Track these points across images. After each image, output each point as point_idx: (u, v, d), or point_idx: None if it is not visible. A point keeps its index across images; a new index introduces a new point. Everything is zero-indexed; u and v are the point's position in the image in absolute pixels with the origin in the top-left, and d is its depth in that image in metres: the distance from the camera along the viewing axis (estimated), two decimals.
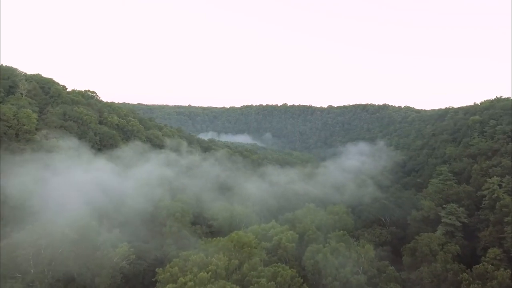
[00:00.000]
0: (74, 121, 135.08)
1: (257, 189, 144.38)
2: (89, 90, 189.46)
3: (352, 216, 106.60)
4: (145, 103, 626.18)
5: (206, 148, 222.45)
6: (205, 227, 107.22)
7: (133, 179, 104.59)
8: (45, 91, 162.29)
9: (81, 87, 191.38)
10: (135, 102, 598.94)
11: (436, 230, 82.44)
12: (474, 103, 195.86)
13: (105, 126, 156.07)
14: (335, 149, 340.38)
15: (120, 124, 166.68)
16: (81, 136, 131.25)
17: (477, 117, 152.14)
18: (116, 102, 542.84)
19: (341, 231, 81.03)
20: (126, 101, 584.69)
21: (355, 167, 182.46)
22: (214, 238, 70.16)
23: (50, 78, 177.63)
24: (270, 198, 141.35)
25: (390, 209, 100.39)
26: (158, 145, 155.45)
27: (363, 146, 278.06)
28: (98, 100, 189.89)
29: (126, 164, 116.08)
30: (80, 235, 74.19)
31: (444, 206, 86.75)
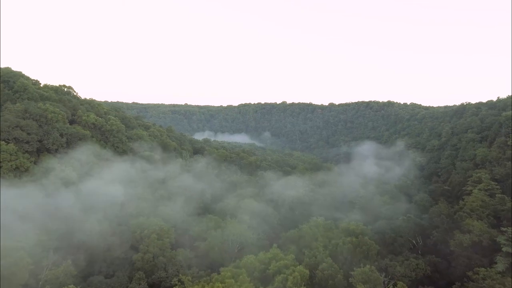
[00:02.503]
0: (35, 120, 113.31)
1: (255, 198, 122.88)
2: (64, 85, 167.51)
3: (371, 234, 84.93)
4: (141, 102, 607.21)
5: (199, 149, 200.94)
6: (189, 250, 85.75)
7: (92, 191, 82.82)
8: (9, 85, 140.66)
9: (77, 86, 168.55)
10: (130, 101, 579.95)
11: (495, 263, 61.08)
12: (498, 97, 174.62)
13: (78, 126, 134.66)
14: (338, 148, 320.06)
15: (97, 123, 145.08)
16: (43, 137, 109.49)
17: (510, 112, 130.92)
18: (110, 101, 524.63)
19: (367, 266, 59.43)
20: (120, 100, 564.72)
21: (366, 170, 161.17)
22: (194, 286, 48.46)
23: (19, 72, 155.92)
24: (269, 208, 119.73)
25: (423, 228, 79.17)
26: (123, 150, 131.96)
27: (369, 145, 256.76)
28: (75, 96, 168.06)
29: (84, 172, 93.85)
30: (4, 277, 52.83)
31: (503, 229, 65.45)
